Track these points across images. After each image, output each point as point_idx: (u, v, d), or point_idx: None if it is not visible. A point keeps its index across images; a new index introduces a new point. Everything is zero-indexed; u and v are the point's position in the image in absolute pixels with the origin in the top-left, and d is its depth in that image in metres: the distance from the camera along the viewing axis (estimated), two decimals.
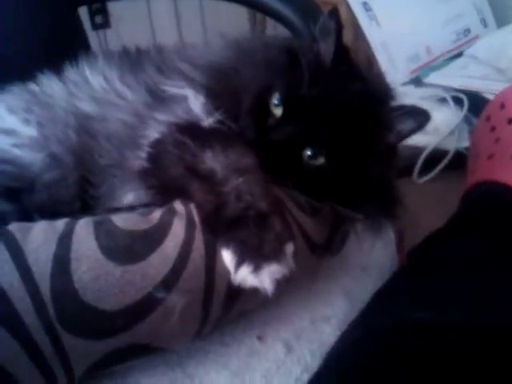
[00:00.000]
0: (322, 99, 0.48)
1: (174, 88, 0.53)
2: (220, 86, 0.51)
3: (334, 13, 0.51)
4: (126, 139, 0.52)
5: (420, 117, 0.49)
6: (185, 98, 0.51)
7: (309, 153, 0.48)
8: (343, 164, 0.49)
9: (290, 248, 0.41)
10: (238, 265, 0.40)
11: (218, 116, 0.48)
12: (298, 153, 0.48)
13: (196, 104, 0.50)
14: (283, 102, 0.48)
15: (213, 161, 0.44)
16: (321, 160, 0.48)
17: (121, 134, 0.53)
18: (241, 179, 0.43)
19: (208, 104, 0.50)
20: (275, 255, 0.40)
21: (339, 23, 0.50)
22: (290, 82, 0.49)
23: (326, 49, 0.50)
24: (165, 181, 0.47)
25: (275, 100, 0.49)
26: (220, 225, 0.42)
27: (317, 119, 0.48)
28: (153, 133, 0.50)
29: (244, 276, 0.40)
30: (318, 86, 0.48)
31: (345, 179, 0.49)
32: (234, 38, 0.58)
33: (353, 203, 0.49)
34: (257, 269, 0.39)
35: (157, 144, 0.49)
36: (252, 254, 0.40)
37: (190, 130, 0.48)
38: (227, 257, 0.41)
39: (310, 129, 0.48)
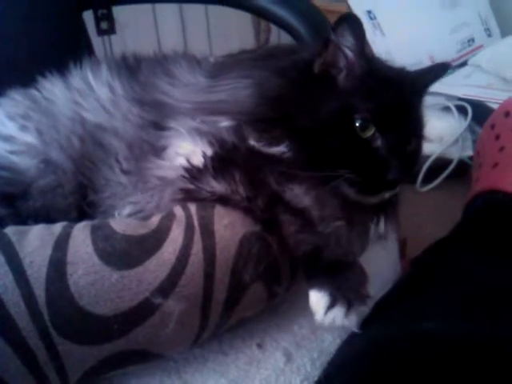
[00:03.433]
0: (397, 96, 0.50)
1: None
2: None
3: (352, 17, 0.49)
4: (144, 150, 0.51)
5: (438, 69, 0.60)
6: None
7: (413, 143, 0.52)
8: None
9: (370, 289, 0.44)
10: (330, 307, 0.42)
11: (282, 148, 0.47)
12: (405, 148, 0.51)
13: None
14: (372, 120, 0.48)
15: (304, 196, 0.45)
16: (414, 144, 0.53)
17: (140, 145, 0.52)
18: (338, 223, 0.44)
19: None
20: (364, 298, 0.43)
21: (360, 26, 0.49)
22: (361, 99, 0.48)
23: (352, 55, 0.49)
24: (229, 193, 0.45)
25: (357, 123, 0.48)
26: (317, 267, 0.43)
27: (404, 114, 0.50)
28: (174, 145, 0.49)
29: (335, 317, 0.42)
30: (388, 91, 0.49)
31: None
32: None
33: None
34: (348, 310, 0.42)
35: (218, 154, 0.47)
36: (344, 297, 0.42)
37: (255, 153, 0.47)
38: (317, 298, 0.43)
39: (406, 126, 0.50)
